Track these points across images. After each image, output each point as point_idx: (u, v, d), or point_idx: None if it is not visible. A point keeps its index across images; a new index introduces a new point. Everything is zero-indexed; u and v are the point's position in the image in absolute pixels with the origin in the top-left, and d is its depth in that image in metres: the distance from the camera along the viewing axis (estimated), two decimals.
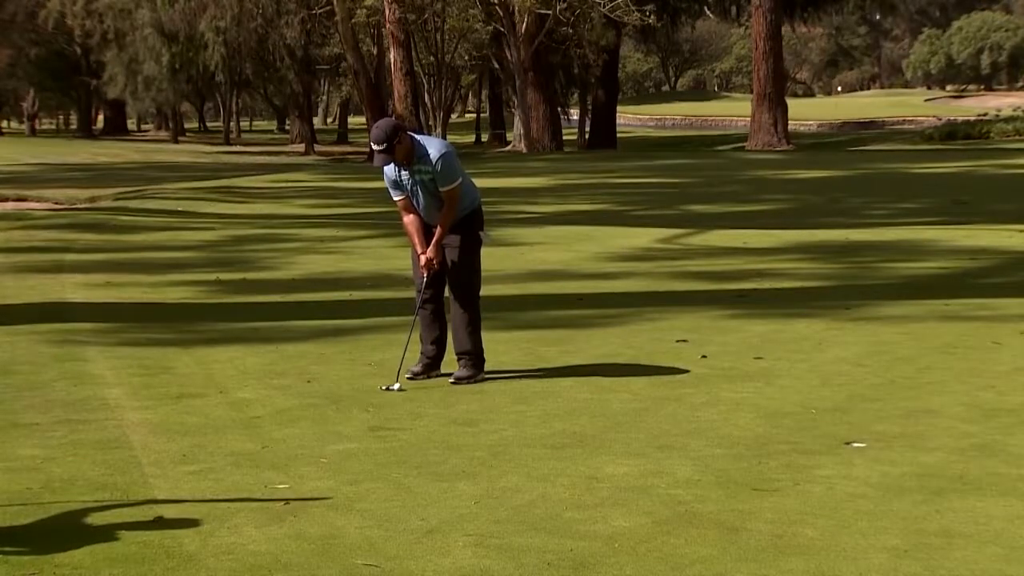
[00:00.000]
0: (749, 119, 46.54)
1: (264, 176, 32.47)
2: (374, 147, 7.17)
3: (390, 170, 7.36)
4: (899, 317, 9.54)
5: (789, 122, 45.43)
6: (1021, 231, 14.99)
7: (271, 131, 77.72)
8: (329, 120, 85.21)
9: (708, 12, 64.49)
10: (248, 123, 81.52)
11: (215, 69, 54.94)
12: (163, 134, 68.69)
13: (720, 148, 48.45)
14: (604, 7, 41.21)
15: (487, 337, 7.69)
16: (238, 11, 49.39)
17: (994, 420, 6.33)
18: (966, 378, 7.39)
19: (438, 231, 7.40)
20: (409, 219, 7.47)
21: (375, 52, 46.87)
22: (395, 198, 7.49)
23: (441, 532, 4.76)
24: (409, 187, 7.37)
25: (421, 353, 7.59)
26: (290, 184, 28.73)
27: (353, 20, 41.91)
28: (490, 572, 4.37)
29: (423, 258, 7.42)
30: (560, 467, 5.62)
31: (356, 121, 67.35)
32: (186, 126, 74.33)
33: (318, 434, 6.27)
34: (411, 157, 7.26)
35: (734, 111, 73.73)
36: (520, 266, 12.86)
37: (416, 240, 7.46)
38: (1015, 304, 10.01)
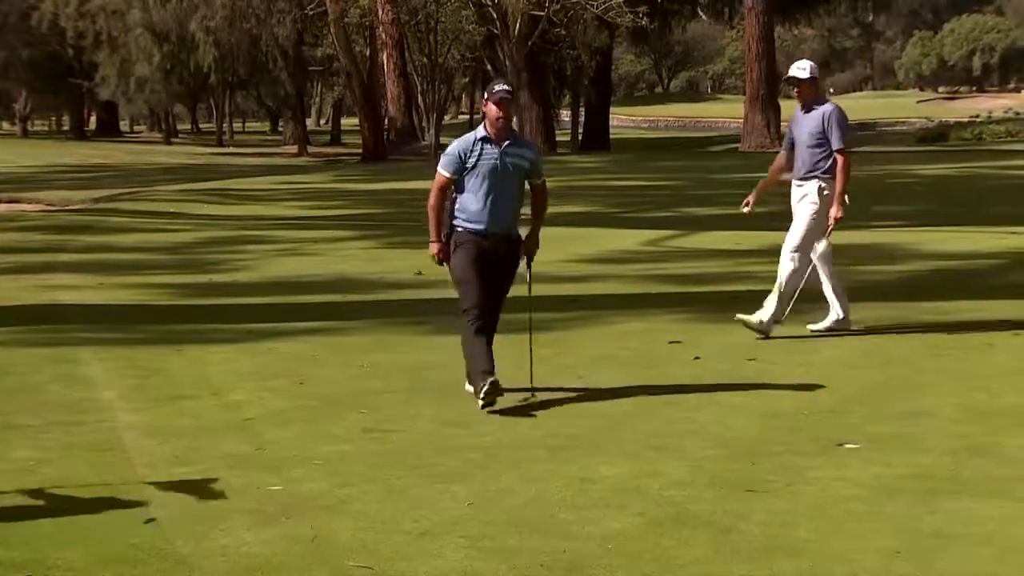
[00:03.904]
0: (742, 121, 46.53)
1: (257, 178, 32.45)
2: (504, 87, 6.68)
3: (464, 145, 6.70)
4: (892, 319, 9.54)
5: (782, 123, 45.43)
6: (1014, 233, 15.01)
7: (264, 132, 77.61)
8: (322, 121, 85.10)
9: (701, 14, 64.57)
10: (241, 124, 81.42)
11: (208, 70, 54.84)
12: (156, 135, 68.60)
13: (713, 149, 48.48)
14: (597, 9, 41.19)
15: None
16: (229, 11, 49.30)
17: (987, 421, 6.34)
18: (960, 379, 7.39)
19: (536, 223, 6.94)
20: (438, 200, 6.76)
21: (368, 53, 46.82)
22: (445, 173, 6.70)
23: (434, 534, 4.76)
24: (484, 169, 6.64)
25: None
26: (283, 186, 28.71)
27: (346, 21, 41.85)
28: (483, 574, 4.37)
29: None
30: (554, 468, 5.62)
31: (349, 122, 67.19)
32: (179, 127, 74.21)
33: (311, 436, 6.26)
34: (505, 135, 6.74)
35: (727, 113, 73.69)
36: None
37: (434, 224, 6.78)
38: (1008, 306, 10.01)
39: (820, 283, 8.81)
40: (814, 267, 8.75)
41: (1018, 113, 56.15)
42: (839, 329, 8.81)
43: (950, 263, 12.99)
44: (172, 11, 50.45)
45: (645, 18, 41.89)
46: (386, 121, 47.92)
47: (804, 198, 8.72)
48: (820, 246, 8.67)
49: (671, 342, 8.63)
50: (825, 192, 8.64)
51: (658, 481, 5.40)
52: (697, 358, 8.11)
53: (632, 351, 8.43)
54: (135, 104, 61.21)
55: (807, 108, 8.74)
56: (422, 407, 6.88)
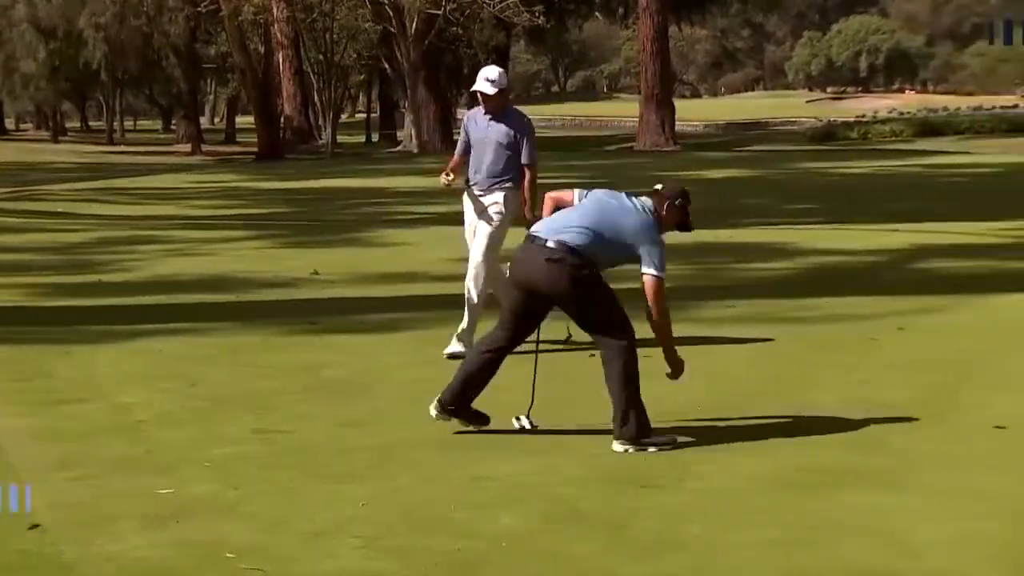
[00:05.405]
0: (637, 119, 47.01)
1: (150, 177, 31.92)
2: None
3: None
4: (779, 315, 9.70)
5: (676, 122, 45.98)
6: (896, 231, 15.40)
7: (156, 131, 76.34)
8: (216, 120, 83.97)
9: (596, 14, 65.07)
10: (132, 123, 79.96)
11: (97, 67, 53.80)
12: (43, 134, 67.03)
13: (609, 148, 48.89)
14: (493, 8, 41.26)
15: (373, 340, 7.62)
16: (119, 7, 48.41)
17: (875, 415, 6.43)
18: (848, 374, 7.53)
19: None
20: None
21: (263, 51, 46.31)
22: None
23: (328, 535, 4.72)
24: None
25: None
26: (177, 185, 28.27)
27: (240, 18, 41.34)
28: (377, 573, 4.35)
29: None
30: (450, 467, 5.61)
31: (244, 121, 66.35)
32: (68, 125, 72.63)
33: (202, 437, 6.17)
34: None
35: (623, 111, 74.41)
36: (407, 266, 12.81)
37: (673, 348, 6.20)
38: (891, 301, 10.25)
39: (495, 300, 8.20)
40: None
41: (902, 113, 57.73)
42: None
43: (834, 259, 13.26)
44: (59, 7, 49.43)
45: (541, 17, 42.09)
46: (282, 120, 47.46)
47: (490, 208, 8.23)
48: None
49: (566, 339, 8.64)
50: (511, 203, 8.28)
51: (553, 478, 5.43)
52: (592, 355, 8.14)
53: (521, 348, 8.42)
54: (21, 101, 59.79)
55: (499, 116, 8.21)
56: (316, 407, 6.82)
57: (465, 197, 8.41)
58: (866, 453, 5.79)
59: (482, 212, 8.30)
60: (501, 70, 8.36)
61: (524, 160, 8.27)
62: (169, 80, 56.61)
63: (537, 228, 6.06)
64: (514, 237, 8.42)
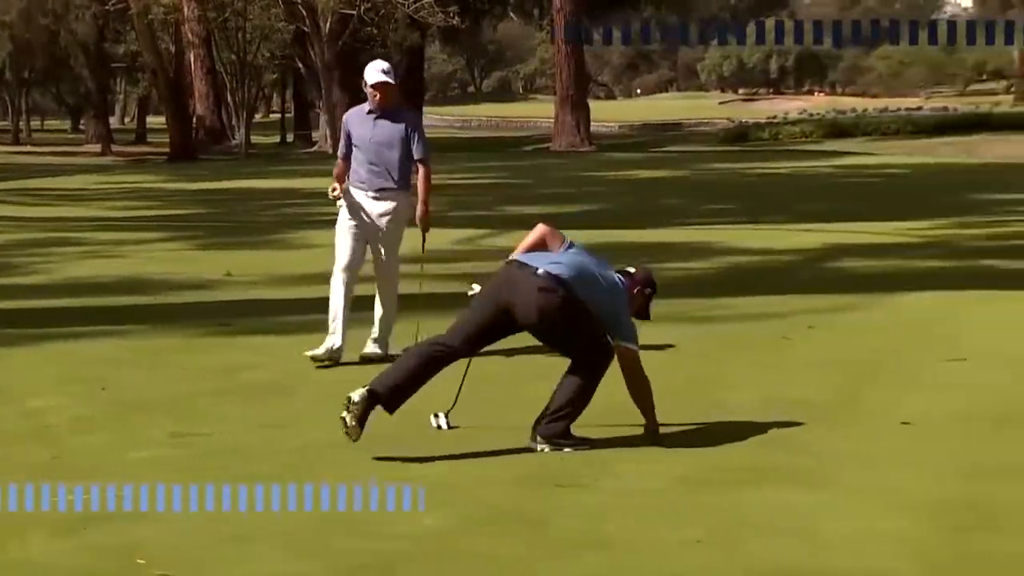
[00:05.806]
0: (552, 120, 47.19)
1: (59, 177, 31.38)
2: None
3: None
4: (692, 315, 9.78)
5: (591, 123, 46.24)
6: (808, 231, 15.66)
7: (65, 131, 74.96)
8: (127, 120, 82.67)
9: (511, 14, 65.19)
10: (40, 122, 78.46)
11: (1, 66, 52.73)
12: None
13: (525, 148, 49.02)
14: (408, 8, 41.14)
15: (291, 341, 7.51)
16: (26, 4, 47.48)
17: (790, 414, 6.50)
18: (761, 373, 7.63)
19: None
20: None
21: (174, 50, 45.71)
22: None
23: (248, 538, 4.68)
24: None
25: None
26: (87, 186, 27.82)
27: (150, 17, 40.74)
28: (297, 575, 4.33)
29: None
30: (371, 468, 5.59)
31: (155, 121, 65.38)
32: None
33: (117, 442, 6.08)
34: None
35: (538, 112, 74.66)
36: (325, 267, 12.69)
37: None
38: (803, 300, 10.41)
39: (345, 304, 7.94)
40: (349, 284, 7.97)
41: (812, 115, 58.66)
42: (335, 359, 7.87)
43: (749, 259, 13.44)
44: None
45: (456, 17, 42.05)
46: (194, 120, 46.89)
47: (384, 216, 7.93)
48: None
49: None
50: (404, 205, 7.98)
51: (473, 479, 5.43)
52: (509, 356, 8.16)
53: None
54: None
55: (387, 114, 7.84)
56: (235, 409, 6.75)
57: (358, 199, 7.96)
58: (783, 451, 5.87)
59: (375, 218, 7.95)
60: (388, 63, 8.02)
61: (418, 155, 7.91)
62: (77, 79, 55.69)
63: (524, 257, 6.00)
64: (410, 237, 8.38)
